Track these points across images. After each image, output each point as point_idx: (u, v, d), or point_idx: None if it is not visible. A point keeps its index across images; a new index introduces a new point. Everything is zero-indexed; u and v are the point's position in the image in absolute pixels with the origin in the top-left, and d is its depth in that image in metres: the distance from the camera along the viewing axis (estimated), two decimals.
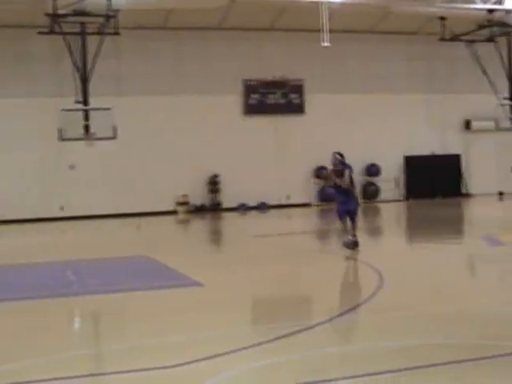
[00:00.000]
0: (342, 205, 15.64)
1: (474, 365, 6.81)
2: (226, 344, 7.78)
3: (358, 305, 9.55)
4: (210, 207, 32.56)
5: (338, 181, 15.54)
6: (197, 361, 7.12)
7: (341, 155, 15.86)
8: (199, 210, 32.31)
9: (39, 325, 9.49)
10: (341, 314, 9.06)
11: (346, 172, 15.62)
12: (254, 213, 31.79)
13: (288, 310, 9.97)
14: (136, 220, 28.36)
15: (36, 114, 30.09)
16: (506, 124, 34.00)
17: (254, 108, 33.31)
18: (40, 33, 27.43)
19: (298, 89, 33.74)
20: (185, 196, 32.17)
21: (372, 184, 34.67)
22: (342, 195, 15.69)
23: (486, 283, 11.61)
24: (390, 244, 18.72)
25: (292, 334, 8.11)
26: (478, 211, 29.49)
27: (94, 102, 27.11)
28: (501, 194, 34.97)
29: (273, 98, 33.54)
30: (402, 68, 35.32)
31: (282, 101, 33.62)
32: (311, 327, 8.60)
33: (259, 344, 7.74)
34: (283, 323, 8.89)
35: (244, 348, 7.57)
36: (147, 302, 10.90)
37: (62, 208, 30.68)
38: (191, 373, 6.85)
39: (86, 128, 26.52)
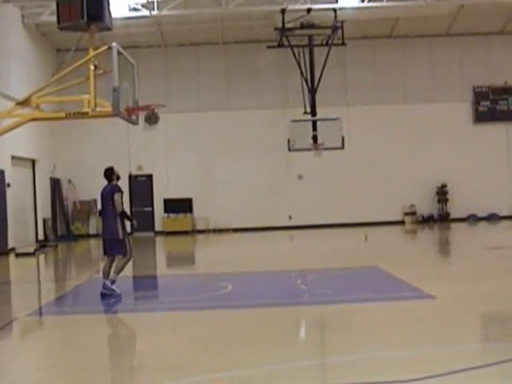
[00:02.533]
0: None
1: None
2: (455, 361, 7.49)
3: None
4: (437, 217, 31.92)
5: None
6: (422, 379, 6.89)
7: None
8: (427, 221, 31.76)
9: (269, 333, 9.63)
10: None
11: None
12: (483, 224, 30.75)
13: None
14: (364, 230, 28.29)
15: (265, 125, 30.95)
16: None
17: (484, 115, 32.24)
18: (269, 47, 28.22)
19: None
20: (412, 206, 31.76)
21: None
22: None
23: None
24: None
25: None
26: None
27: (321, 112, 27.43)
28: None
29: (504, 105, 32.29)
30: None
31: None
32: None
33: (491, 364, 7.37)
34: None
35: (474, 367, 7.24)
36: (378, 314, 10.76)
37: (290, 217, 31.31)
38: None
39: (315, 138, 26.83)
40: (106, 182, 13.20)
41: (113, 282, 12.89)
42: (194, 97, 31.64)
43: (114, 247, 13.02)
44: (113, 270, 13.02)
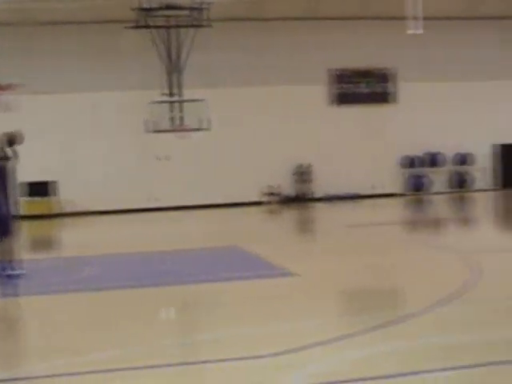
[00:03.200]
0: None
1: None
2: (320, 334, 7.77)
3: (453, 296, 9.40)
4: (298, 197, 32.54)
5: None
6: (288, 351, 7.12)
7: None
8: (289, 201, 32.30)
9: (131, 314, 9.67)
10: (435, 305, 8.93)
11: None
12: (344, 203, 31.64)
13: (382, 301, 9.90)
14: (225, 211, 28.52)
15: (128, 106, 30.57)
16: None
17: (342, 97, 33.07)
18: (128, 27, 27.86)
19: (388, 77, 33.32)
20: (274, 186, 32.22)
21: (465, 173, 34.06)
22: None
23: None
24: (484, 235, 18.35)
25: (385, 324, 8.05)
26: None
27: (185, 93, 27.38)
28: None
29: (361, 88, 33.22)
30: (495, 54, 34.46)
31: (371, 90, 33.27)
32: (404, 318, 8.51)
33: (352, 335, 7.70)
34: (376, 314, 8.83)
35: (336, 339, 7.54)
36: (240, 292, 10.97)
37: (154, 199, 31.17)
38: (284, 363, 6.85)
39: (179, 120, 26.78)
40: None
41: None
42: (54, 78, 30.86)
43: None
44: None
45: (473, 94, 33.70)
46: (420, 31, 26.85)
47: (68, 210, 30.35)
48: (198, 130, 26.71)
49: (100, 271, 13.73)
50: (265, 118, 31.89)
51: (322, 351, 7.15)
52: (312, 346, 7.26)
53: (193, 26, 27.47)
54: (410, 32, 27.27)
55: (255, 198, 31.68)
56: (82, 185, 30.41)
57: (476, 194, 31.99)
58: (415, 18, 26.91)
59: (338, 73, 32.91)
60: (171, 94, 27.28)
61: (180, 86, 27.36)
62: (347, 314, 9.55)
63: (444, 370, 6.38)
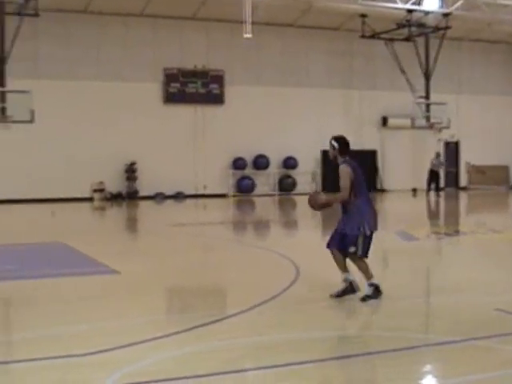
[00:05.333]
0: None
1: (379, 357, 6.99)
2: (139, 333, 7.77)
3: (274, 296, 9.65)
4: (126, 195, 32.33)
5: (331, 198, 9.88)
6: (107, 350, 7.08)
7: (337, 140, 9.82)
8: (115, 198, 32.05)
9: None
10: (256, 305, 9.13)
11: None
12: (170, 202, 31.72)
13: (203, 301, 10.01)
14: (52, 206, 27.91)
15: None
16: (421, 122, 34.81)
17: (174, 96, 33.17)
18: None
19: (219, 79, 33.72)
20: (101, 183, 31.86)
21: (289, 177, 35.02)
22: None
23: (402, 275, 11.87)
24: (304, 236, 18.94)
25: (205, 324, 8.15)
26: (392, 206, 30.06)
27: (10, 83, 26.56)
28: (414, 190, 35.64)
29: (193, 87, 33.43)
30: (321, 63, 35.69)
31: (202, 90, 33.55)
32: (225, 318, 8.66)
33: (172, 334, 7.75)
34: (197, 313, 8.93)
35: (156, 338, 7.57)
36: (61, 289, 10.78)
37: None
38: (101, 362, 6.80)
39: (2, 110, 25.97)
40: None
41: None
42: None
43: None
44: None
45: (302, 100, 34.74)
46: (250, 35, 27.39)
47: None
48: (22, 121, 25.96)
49: None
50: (95, 113, 31.48)
51: (139, 350, 7.15)
52: (129, 345, 7.25)
53: (21, 14, 26.75)
54: (243, 36, 27.75)
55: (83, 194, 31.21)
56: None
57: (299, 197, 32.85)
58: (248, 23, 27.42)
59: (169, 72, 32.94)
60: (1, 84, 26.43)
61: (4, 76, 26.52)
62: (167, 312, 9.59)
63: (258, 368, 6.56)
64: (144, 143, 32.22)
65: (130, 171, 32.31)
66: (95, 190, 31.80)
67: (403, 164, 36.90)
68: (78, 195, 31.11)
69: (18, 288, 11.02)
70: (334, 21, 34.50)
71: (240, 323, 8.40)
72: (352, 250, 9.41)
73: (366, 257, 9.49)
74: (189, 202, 31.84)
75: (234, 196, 33.42)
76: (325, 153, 35.14)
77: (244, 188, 33.90)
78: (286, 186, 34.90)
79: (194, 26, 33.11)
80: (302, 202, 31.52)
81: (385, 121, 36.98)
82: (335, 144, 9.77)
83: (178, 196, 32.82)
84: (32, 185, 30.39)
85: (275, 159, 34.40)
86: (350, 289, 9.52)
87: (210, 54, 33.35)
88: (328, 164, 35.23)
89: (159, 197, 32.45)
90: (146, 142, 32.28)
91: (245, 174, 33.99)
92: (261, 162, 34.26)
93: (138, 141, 32.09)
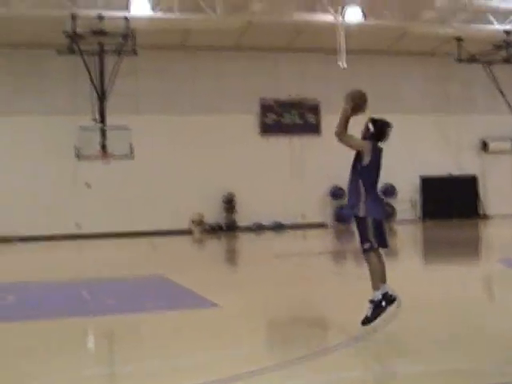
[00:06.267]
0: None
1: None
2: (240, 366, 7.70)
3: (375, 328, 9.45)
4: (225, 227, 32.54)
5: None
6: (211, 382, 7.05)
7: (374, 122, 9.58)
8: (214, 230, 32.29)
9: (52, 344, 9.44)
10: (358, 338, 8.96)
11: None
12: (269, 233, 31.73)
13: (304, 333, 9.87)
14: (151, 239, 28.31)
15: (53, 131, 30.26)
16: None
17: (269, 127, 33.33)
18: (58, 52, 27.60)
19: (314, 109, 33.71)
20: (200, 215, 32.16)
21: (388, 205, 34.57)
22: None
23: (507, 305, 11.47)
24: (405, 265, 18.58)
25: (307, 356, 8.03)
26: (495, 233, 29.29)
27: (111, 120, 27.20)
28: None
29: (288, 118, 33.53)
30: (417, 88, 35.27)
31: (299, 121, 33.60)
32: (327, 350, 8.52)
33: (274, 366, 7.67)
34: (298, 346, 8.81)
35: (257, 371, 7.49)
36: (161, 323, 10.83)
37: (78, 225, 30.75)
38: None
39: (103, 146, 26.56)
40: None
41: None
42: None
43: None
44: None
45: (397, 127, 34.29)
46: (344, 64, 27.34)
47: None
48: (123, 157, 26.50)
49: (18, 300, 13.40)
50: (193, 145, 31.90)
51: (245, 382, 7.10)
52: (230, 379, 7.20)
53: (120, 52, 27.40)
54: (338, 65, 27.75)
55: (182, 227, 31.56)
56: (3, 210, 29.82)
57: (399, 226, 32.40)
58: (342, 52, 27.40)
59: (265, 103, 33.14)
60: (98, 120, 27.05)
61: (104, 112, 27.16)
62: (268, 345, 9.50)
63: None
64: (241, 174, 32.42)
65: (229, 203, 32.54)
66: (194, 223, 32.12)
67: (506, 188, 35.94)
68: (178, 228, 31.48)
69: (119, 322, 11.15)
70: (428, 45, 34.06)
71: (343, 356, 8.25)
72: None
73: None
74: (288, 232, 31.79)
75: (333, 226, 33.18)
76: (424, 180, 34.70)
77: (343, 217, 33.62)
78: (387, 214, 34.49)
79: (289, 57, 33.27)
80: (402, 231, 31.09)
81: (485, 145, 36.18)
82: (371, 127, 9.35)
83: (277, 226, 32.82)
84: (132, 218, 30.93)
85: None
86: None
87: (306, 84, 33.40)
88: (427, 191, 34.73)
89: (258, 227, 32.52)
90: (244, 173, 32.47)
91: (343, 203, 33.71)
92: None
93: (235, 172, 32.32)
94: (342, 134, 9.14)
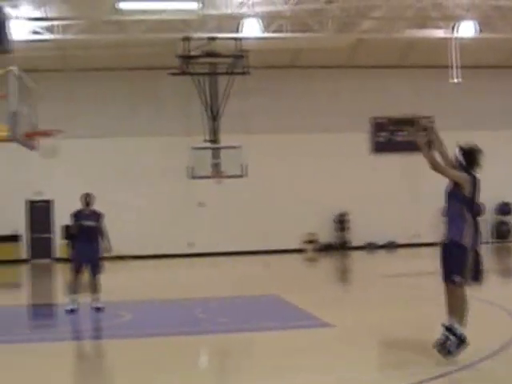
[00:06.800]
0: None
1: None
2: None
3: (495, 351, 9.13)
4: (337, 246, 32.35)
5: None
6: None
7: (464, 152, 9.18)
8: (327, 249, 32.14)
9: (169, 362, 9.53)
10: (477, 361, 8.67)
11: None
12: (382, 252, 31.35)
13: (420, 356, 9.62)
14: (264, 258, 28.40)
15: (167, 151, 30.85)
16: None
17: (382, 146, 33.00)
18: (171, 74, 28.11)
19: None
20: (312, 234, 32.10)
21: (504, 223, 33.61)
22: None
23: None
24: None
25: (424, 380, 7.83)
26: None
27: (223, 140, 27.51)
28: None
29: (402, 136, 33.09)
30: None
31: (412, 139, 33.05)
32: (443, 375, 8.28)
33: None
34: (414, 369, 8.59)
35: None
36: (275, 343, 10.79)
37: (191, 244, 31.18)
38: None
39: (216, 166, 26.84)
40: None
41: None
42: (97, 122, 31.25)
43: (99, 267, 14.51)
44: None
45: None
46: (459, 80, 26.84)
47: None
48: (234, 176, 26.70)
49: (134, 317, 13.65)
50: (304, 164, 31.92)
51: None
52: None
53: (232, 73, 27.66)
54: (451, 81, 27.30)
55: (295, 245, 31.55)
56: (118, 229, 30.49)
57: None
58: (455, 67, 26.93)
59: (377, 121, 32.87)
60: (212, 141, 27.38)
61: (217, 132, 27.47)
62: (384, 367, 9.32)
63: None
64: (353, 193, 32.16)
65: (341, 222, 32.36)
66: (307, 241, 32.08)
67: None
68: (290, 246, 31.48)
69: (233, 341, 11.19)
70: None
71: (460, 380, 8.01)
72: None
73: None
74: (401, 251, 31.32)
75: None
76: None
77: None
78: (502, 233, 33.51)
79: (401, 74, 32.88)
80: None
81: None
82: (460, 156, 8.76)
83: (390, 245, 32.38)
84: (244, 237, 31.12)
85: (489, 205, 33.11)
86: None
87: (418, 101, 32.89)
88: None
89: (371, 247, 32.18)
90: (356, 191, 32.20)
91: None
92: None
93: (348, 191, 32.09)
94: (436, 166, 8.66)
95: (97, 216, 14.67)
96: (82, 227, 14.42)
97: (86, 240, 14.27)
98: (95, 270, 14.42)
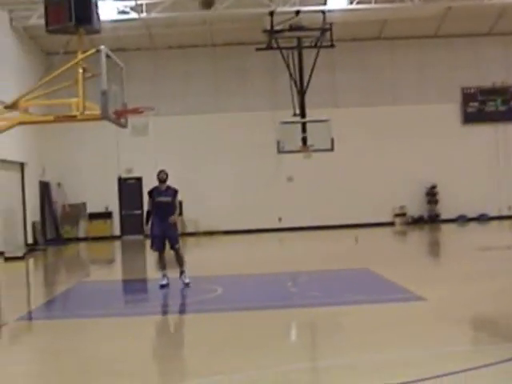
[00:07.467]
0: None
1: None
2: (445, 364, 7.46)
3: None
4: (427, 218, 31.94)
5: None
6: (421, 380, 6.86)
7: None
8: (417, 222, 31.78)
9: (260, 336, 9.59)
10: None
11: None
12: (473, 224, 30.80)
13: None
14: (354, 232, 28.26)
15: (255, 127, 30.92)
16: None
17: (472, 116, 32.31)
18: (258, 49, 28.11)
19: None
20: (402, 207, 31.78)
21: None
22: None
23: None
24: None
25: None
26: None
27: (310, 114, 27.40)
28: None
29: (492, 106, 32.35)
30: None
31: (503, 108, 32.34)
32: None
33: (481, 366, 7.34)
34: (511, 344, 8.43)
35: (466, 369, 7.21)
36: (366, 316, 10.74)
37: (280, 219, 31.28)
38: None
39: (304, 140, 26.75)
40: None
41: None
42: (183, 99, 31.58)
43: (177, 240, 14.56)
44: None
45: None
46: None
47: (190, 229, 30.68)
48: (322, 150, 26.55)
49: (226, 292, 13.78)
50: (393, 137, 31.56)
51: (454, 381, 6.87)
52: (433, 378, 6.97)
53: (318, 46, 27.45)
54: None
55: (384, 219, 31.31)
56: (208, 205, 30.83)
57: None
58: None
59: (468, 91, 32.18)
60: (299, 115, 27.28)
61: (304, 106, 27.33)
62: (478, 342, 9.15)
63: None
64: (443, 165, 31.65)
65: (431, 194, 31.91)
66: (397, 215, 31.79)
67: None
68: (380, 220, 31.24)
69: (324, 314, 11.18)
70: None
71: None
72: None
73: None
74: (493, 223, 30.72)
75: None
76: None
77: None
78: None
79: (491, 42, 32.09)
80: None
81: None
82: None
83: (482, 218, 31.77)
84: (333, 211, 31.02)
85: None
86: None
87: (510, 69, 32.08)
88: None
89: (462, 219, 31.66)
90: (446, 164, 31.68)
91: None
92: None
93: (437, 163, 31.59)
94: None
95: (172, 192, 14.80)
96: (158, 203, 14.53)
97: (162, 215, 14.38)
98: (173, 243, 14.51)
